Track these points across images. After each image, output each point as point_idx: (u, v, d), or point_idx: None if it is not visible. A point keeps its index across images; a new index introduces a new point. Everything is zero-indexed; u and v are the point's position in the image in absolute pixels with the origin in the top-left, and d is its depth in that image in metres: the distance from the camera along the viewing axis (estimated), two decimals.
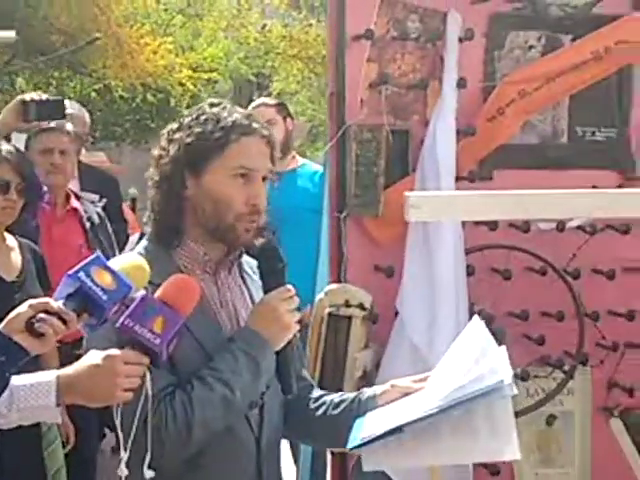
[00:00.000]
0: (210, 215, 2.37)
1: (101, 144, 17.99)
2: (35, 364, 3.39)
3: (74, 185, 5.10)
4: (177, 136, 2.38)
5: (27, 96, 4.27)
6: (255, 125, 2.40)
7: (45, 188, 4.13)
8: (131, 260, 2.19)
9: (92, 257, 2.09)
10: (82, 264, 2.05)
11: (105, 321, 2.09)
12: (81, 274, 2.03)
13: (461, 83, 3.72)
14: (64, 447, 4.17)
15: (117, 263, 2.13)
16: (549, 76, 3.73)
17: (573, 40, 3.84)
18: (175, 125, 2.43)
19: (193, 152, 2.35)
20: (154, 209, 2.43)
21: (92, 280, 2.03)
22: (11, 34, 3.72)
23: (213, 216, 2.37)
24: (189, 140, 2.36)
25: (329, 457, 3.84)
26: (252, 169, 2.37)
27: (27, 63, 15.42)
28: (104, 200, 5.19)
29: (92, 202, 5.00)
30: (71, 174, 4.83)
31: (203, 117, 2.39)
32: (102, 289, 2.03)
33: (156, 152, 2.44)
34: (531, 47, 3.87)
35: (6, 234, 4.00)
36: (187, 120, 2.41)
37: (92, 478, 4.61)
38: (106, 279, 2.05)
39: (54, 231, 4.54)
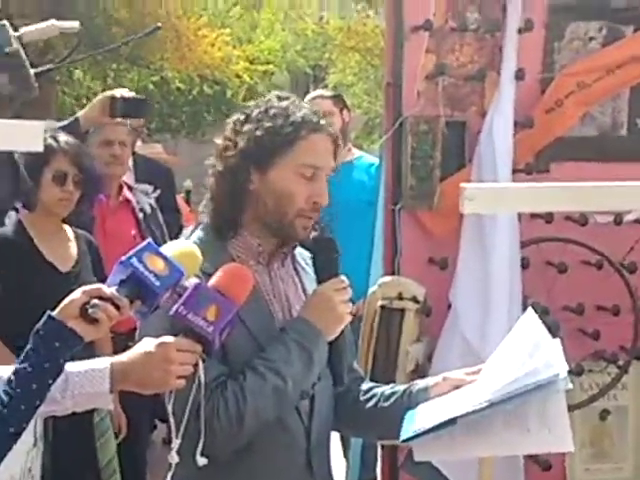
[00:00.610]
0: (272, 210, 2.36)
1: (157, 136, 18.10)
2: (89, 353, 3.45)
3: (128, 176, 5.14)
4: (246, 128, 2.36)
5: (116, 93, 4.34)
6: (323, 122, 2.39)
7: (102, 180, 4.16)
8: (183, 246, 2.19)
9: (144, 243, 2.09)
10: (134, 250, 2.06)
11: (157, 307, 2.09)
12: (133, 260, 2.04)
13: (519, 74, 3.69)
14: (116, 438, 4.20)
15: (169, 249, 2.13)
16: (609, 67, 3.68)
17: (635, 31, 3.79)
18: (242, 116, 2.40)
19: (262, 146, 2.33)
20: (214, 200, 2.42)
21: (144, 266, 2.03)
22: (75, 24, 3.75)
23: (274, 212, 2.36)
24: (259, 134, 2.33)
25: (379, 450, 3.83)
26: (318, 167, 2.36)
27: (84, 55, 15.53)
28: (158, 191, 5.23)
29: (146, 193, 5.04)
30: (127, 165, 4.87)
31: (272, 111, 2.36)
32: (154, 275, 2.03)
33: (220, 142, 2.41)
34: (591, 38, 3.82)
35: (62, 225, 4.04)
36: (255, 112, 2.37)
37: (143, 469, 4.65)
38: (158, 265, 2.05)
39: (108, 222, 4.59)
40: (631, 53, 3.69)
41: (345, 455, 4.82)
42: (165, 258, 2.07)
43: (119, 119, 4.46)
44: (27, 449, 3.38)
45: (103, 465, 4.06)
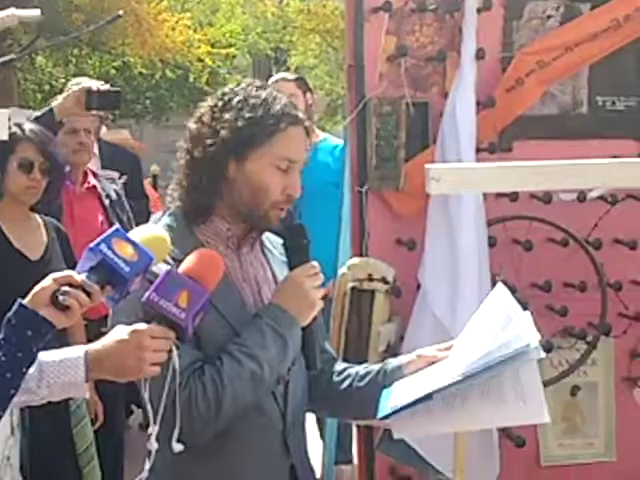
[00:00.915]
0: (246, 200, 2.37)
1: (121, 121, 18.01)
2: (63, 341, 3.45)
3: (94, 163, 5.14)
4: (226, 116, 2.35)
5: (92, 85, 4.39)
6: (300, 115, 2.40)
7: (68, 167, 4.16)
8: (151, 231, 2.19)
9: (112, 229, 2.09)
10: (103, 236, 2.06)
11: (128, 293, 2.10)
12: (102, 246, 2.04)
13: (480, 54, 3.71)
14: (93, 424, 4.20)
15: (138, 234, 2.13)
16: (568, 46, 3.71)
17: (592, 9, 3.82)
18: (219, 102, 2.39)
19: (242, 137, 2.33)
20: (187, 186, 2.42)
21: (113, 252, 2.03)
22: (36, 12, 3.73)
23: (249, 202, 2.37)
24: (240, 124, 2.33)
25: (355, 431, 3.86)
26: (294, 160, 2.38)
27: (47, 44, 15.45)
28: (124, 177, 5.23)
29: (112, 179, 5.04)
30: (93, 152, 4.88)
31: (252, 101, 2.36)
32: (124, 260, 2.04)
33: (194, 126, 2.41)
34: (549, 17, 3.85)
35: (30, 213, 4.03)
36: (235, 101, 2.37)
37: (120, 454, 4.65)
38: (127, 250, 2.05)
39: (75, 209, 4.59)
40: (589, 30, 3.71)
41: (321, 437, 4.85)
42: (134, 243, 2.07)
43: (94, 111, 4.48)
44: (4, 438, 3.39)
45: (81, 452, 4.06)
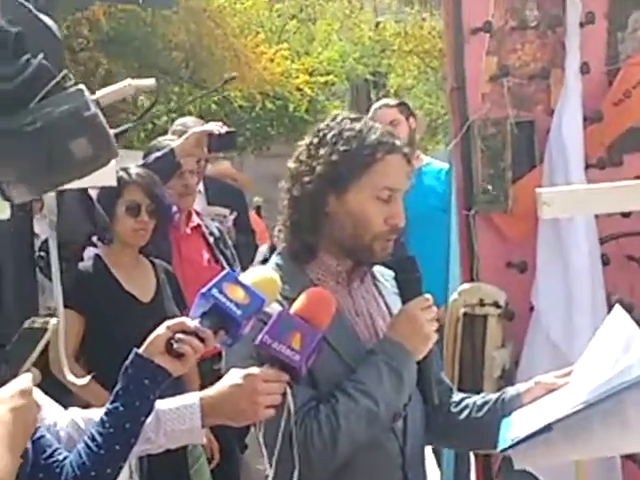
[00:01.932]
0: (349, 233, 2.36)
1: (224, 154, 18.14)
2: (177, 383, 3.47)
3: (199, 202, 5.18)
4: (321, 152, 2.35)
5: (213, 129, 4.50)
6: (397, 142, 2.38)
7: (175, 208, 4.20)
8: (262, 273, 2.19)
9: (223, 273, 2.10)
10: (214, 281, 2.07)
11: (240, 337, 2.09)
12: (214, 291, 2.04)
13: (584, 68, 3.63)
14: (209, 463, 4.22)
15: (248, 277, 2.13)
16: None
17: None
18: (315, 139, 2.40)
19: (339, 171, 2.33)
20: (291, 225, 2.42)
21: (225, 296, 2.04)
22: (151, 82, 3.79)
23: (352, 234, 2.36)
24: (334, 158, 2.33)
25: (472, 459, 3.79)
26: (395, 189, 2.36)
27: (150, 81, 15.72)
28: (234, 213, 5.27)
29: (224, 216, 5.10)
30: (196, 192, 4.94)
31: (346, 134, 2.35)
32: (236, 304, 2.04)
33: (293, 165, 2.42)
34: None
35: (140, 256, 4.08)
36: (329, 136, 2.37)
37: None
38: (239, 294, 2.05)
39: (183, 249, 4.62)
40: None
41: (439, 465, 4.78)
42: (245, 287, 2.07)
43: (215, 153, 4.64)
44: None
45: None
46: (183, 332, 2.02)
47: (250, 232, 5.92)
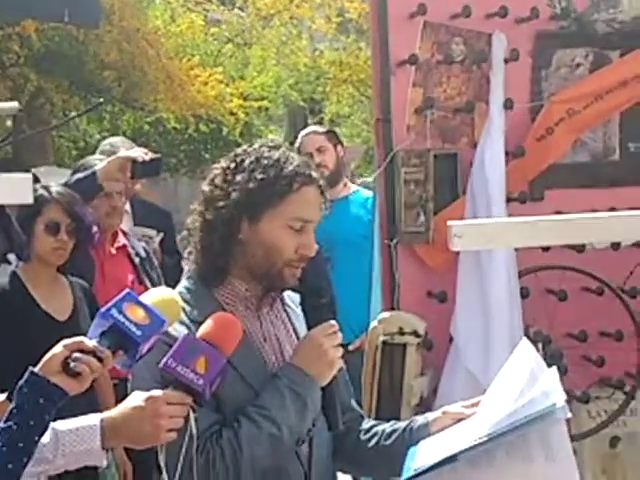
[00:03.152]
0: (260, 260, 2.37)
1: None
2: (92, 402, 3.43)
3: (126, 221, 5.14)
4: (238, 178, 2.36)
5: (136, 155, 4.47)
6: (314, 174, 2.40)
7: (95, 228, 4.17)
8: (162, 294, 2.18)
9: (123, 293, 2.09)
10: (114, 301, 2.06)
11: (140, 358, 2.08)
12: (113, 311, 2.03)
13: (508, 104, 3.69)
14: None
15: (148, 298, 2.12)
16: (598, 93, 3.69)
17: (621, 56, 3.80)
18: (232, 164, 2.40)
19: (254, 199, 2.34)
20: (202, 248, 2.42)
21: (125, 316, 2.03)
22: (14, 105, 3.74)
23: (263, 262, 2.37)
24: (251, 186, 2.34)
25: None
26: (308, 220, 2.38)
27: (81, 100, 15.63)
28: (161, 235, 5.24)
29: (150, 238, 5.06)
30: (124, 214, 4.90)
31: (264, 162, 2.36)
32: (135, 325, 2.03)
33: (207, 188, 2.42)
34: (578, 65, 3.83)
35: (57, 274, 4.04)
36: (247, 162, 2.38)
37: None
38: (139, 314, 2.05)
39: (106, 269, 4.58)
40: (619, 78, 3.69)
41: None
42: (145, 307, 2.07)
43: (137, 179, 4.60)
44: None
45: None
46: (81, 351, 1.99)
47: (176, 254, 5.89)
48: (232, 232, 2.36)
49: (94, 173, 4.40)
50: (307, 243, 2.38)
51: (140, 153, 4.49)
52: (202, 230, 2.41)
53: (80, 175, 4.41)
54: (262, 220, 2.35)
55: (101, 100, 5.12)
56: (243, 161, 2.39)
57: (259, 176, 2.34)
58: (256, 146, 2.43)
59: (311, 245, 2.39)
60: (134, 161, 4.42)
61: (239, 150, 2.45)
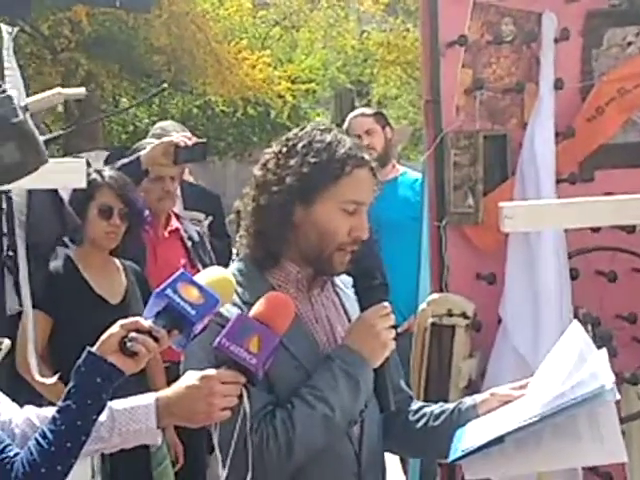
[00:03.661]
0: (314, 244, 2.38)
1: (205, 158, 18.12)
2: (144, 385, 3.47)
3: (177, 205, 5.18)
4: (291, 163, 2.37)
5: (180, 141, 4.44)
6: (366, 156, 2.41)
7: (147, 212, 4.20)
8: (217, 273, 2.21)
9: (178, 273, 2.11)
10: (168, 281, 2.08)
11: (195, 336, 2.10)
12: (168, 291, 2.06)
13: (558, 84, 3.67)
14: (173, 466, 4.23)
15: (203, 277, 2.15)
16: None
17: None
18: (284, 149, 2.41)
19: (308, 182, 2.35)
20: (257, 232, 2.43)
21: (179, 296, 2.05)
22: (81, 90, 3.76)
23: (316, 245, 2.38)
24: (305, 170, 2.35)
25: (437, 467, 3.81)
26: (361, 203, 2.40)
27: (130, 85, 15.76)
28: (210, 218, 5.26)
29: (199, 221, 5.09)
30: (177, 197, 4.93)
31: (316, 145, 2.37)
32: (190, 304, 2.05)
33: (259, 173, 2.43)
34: (630, 43, 3.78)
35: (110, 258, 4.09)
36: (299, 146, 2.39)
37: None
38: (193, 294, 2.07)
39: (158, 252, 4.61)
40: None
41: (405, 473, 4.79)
42: (199, 287, 2.09)
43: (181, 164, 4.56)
44: None
45: None
46: (137, 331, 2.03)
47: (225, 237, 5.92)
48: (286, 216, 2.37)
49: (138, 158, 4.42)
50: (360, 225, 2.39)
51: (183, 138, 4.49)
52: (255, 215, 2.43)
53: (125, 160, 4.43)
54: (316, 203, 2.36)
55: (164, 85, 5.08)
56: (295, 145, 2.39)
57: (312, 160, 2.35)
58: (308, 130, 2.44)
59: (364, 227, 2.40)
60: (177, 146, 4.41)
61: (291, 134, 2.45)
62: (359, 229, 2.39)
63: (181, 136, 4.53)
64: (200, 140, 4.64)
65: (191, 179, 5.93)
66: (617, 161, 3.75)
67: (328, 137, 2.40)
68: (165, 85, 5.31)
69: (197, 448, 4.46)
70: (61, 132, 3.73)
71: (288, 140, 2.43)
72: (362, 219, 2.40)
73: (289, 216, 2.38)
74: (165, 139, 4.54)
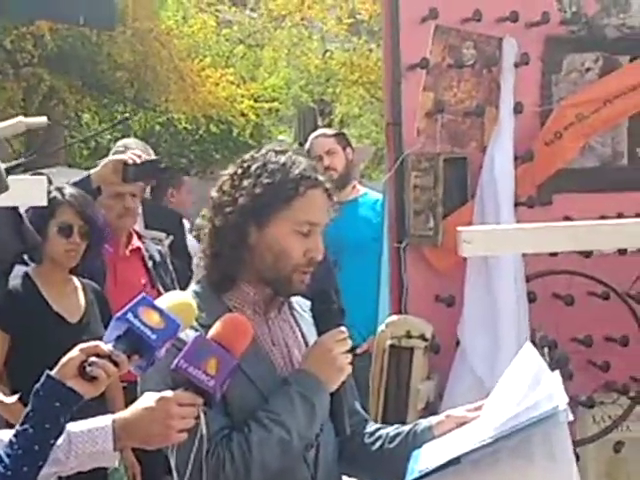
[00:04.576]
0: (269, 266, 2.39)
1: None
2: (101, 405, 3.45)
3: (138, 223, 5.16)
4: (245, 184, 2.38)
5: (129, 159, 4.36)
6: (320, 177, 2.42)
7: (107, 230, 4.18)
8: (178, 298, 2.20)
9: (139, 297, 2.09)
10: (129, 305, 2.07)
11: (154, 361, 2.10)
12: (129, 315, 2.05)
13: (518, 108, 3.71)
14: None
15: (164, 302, 2.14)
16: (607, 98, 3.70)
17: (631, 60, 3.81)
18: (239, 170, 2.42)
19: (261, 203, 2.36)
20: (212, 255, 2.44)
21: (140, 320, 2.04)
22: (43, 120, 3.73)
23: (272, 267, 2.39)
24: (258, 191, 2.36)
25: None
26: (315, 223, 2.40)
27: (93, 101, 15.70)
28: (171, 237, 5.24)
29: (160, 240, 5.07)
30: (137, 215, 4.90)
31: (270, 166, 2.38)
32: (151, 329, 2.04)
33: (216, 195, 2.44)
34: (588, 69, 3.84)
35: (69, 276, 4.07)
36: (253, 168, 2.40)
37: None
38: (154, 318, 2.06)
39: (118, 271, 4.59)
40: (629, 83, 3.70)
41: None
42: (160, 311, 2.08)
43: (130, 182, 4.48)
44: None
45: None
46: (97, 355, 2.01)
47: (186, 256, 5.90)
48: (241, 238, 2.38)
49: (89, 176, 4.38)
50: (315, 247, 2.40)
51: (132, 156, 4.41)
52: (211, 236, 2.44)
53: (76, 179, 4.39)
54: (270, 225, 2.37)
55: (127, 115, 5.07)
56: (250, 167, 2.41)
57: (265, 180, 2.36)
58: (263, 151, 2.45)
59: (319, 248, 2.40)
60: (125, 163, 4.34)
61: (247, 156, 2.47)
62: (314, 250, 2.40)
63: (131, 154, 4.48)
64: (151, 158, 4.58)
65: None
66: (575, 185, 3.80)
67: (283, 158, 2.41)
68: (127, 115, 5.27)
69: (155, 469, 4.44)
70: (23, 160, 3.72)
71: (243, 162, 2.44)
72: (317, 240, 2.41)
73: (244, 237, 2.38)
74: (114, 157, 4.49)
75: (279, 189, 2.36)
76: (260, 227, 2.37)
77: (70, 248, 3.96)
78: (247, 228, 2.38)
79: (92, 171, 4.46)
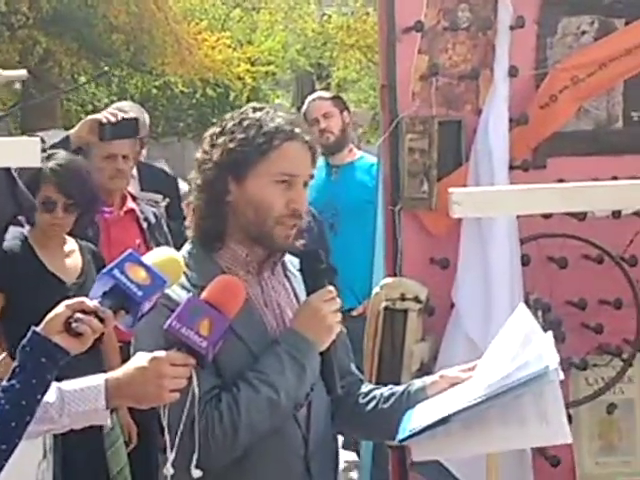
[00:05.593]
0: (252, 220, 2.40)
1: (164, 139, 18.13)
2: (99, 364, 3.48)
3: (133, 186, 5.16)
4: (220, 141, 2.40)
5: (103, 117, 4.34)
6: (297, 130, 2.42)
7: (100, 197, 4.17)
8: (164, 254, 2.21)
9: (126, 254, 2.11)
10: (116, 261, 2.08)
11: (141, 317, 2.11)
12: (115, 271, 2.06)
13: (513, 71, 3.70)
14: (127, 446, 4.23)
15: (151, 258, 2.15)
16: (602, 61, 3.68)
17: (626, 24, 3.79)
18: (217, 129, 2.44)
19: (236, 158, 2.37)
20: (197, 213, 2.46)
21: (126, 277, 2.05)
22: (23, 72, 3.70)
23: (254, 221, 2.40)
24: (232, 146, 2.38)
25: (389, 450, 3.85)
26: (294, 175, 2.40)
27: (88, 63, 15.64)
28: (167, 200, 5.25)
29: (155, 202, 5.07)
30: (130, 177, 4.90)
31: (245, 122, 2.40)
32: (137, 285, 2.05)
33: (199, 155, 2.47)
34: (584, 32, 3.82)
35: (65, 237, 4.07)
36: (230, 125, 2.42)
37: (155, 476, 4.66)
38: (140, 275, 2.07)
39: (112, 232, 4.59)
40: (624, 46, 3.69)
41: (359, 456, 4.83)
42: (147, 267, 2.09)
43: (108, 141, 4.44)
44: (37, 462, 3.41)
45: (114, 474, 4.08)
46: (83, 311, 2.02)
47: (182, 219, 5.89)
48: (220, 193, 2.40)
49: (67, 137, 4.35)
50: (297, 198, 2.41)
51: (108, 115, 4.38)
52: (194, 195, 2.47)
53: (56, 140, 4.35)
54: (248, 179, 2.38)
55: (106, 68, 5.03)
56: (227, 125, 2.43)
57: (239, 135, 2.38)
58: (242, 110, 2.48)
59: (302, 200, 2.41)
60: (100, 123, 4.31)
61: (226, 116, 2.49)
62: (296, 201, 2.40)
63: (107, 113, 4.44)
64: (127, 116, 4.52)
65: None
66: (569, 149, 3.80)
67: (259, 114, 2.43)
68: (107, 69, 5.22)
69: (150, 429, 4.47)
70: (12, 109, 3.71)
71: (222, 121, 2.47)
72: (299, 192, 2.41)
73: (223, 194, 2.40)
74: (89, 117, 4.47)
75: (253, 142, 2.37)
76: (239, 182, 2.39)
77: (54, 222, 3.96)
78: (226, 184, 2.40)
79: (71, 131, 4.44)
